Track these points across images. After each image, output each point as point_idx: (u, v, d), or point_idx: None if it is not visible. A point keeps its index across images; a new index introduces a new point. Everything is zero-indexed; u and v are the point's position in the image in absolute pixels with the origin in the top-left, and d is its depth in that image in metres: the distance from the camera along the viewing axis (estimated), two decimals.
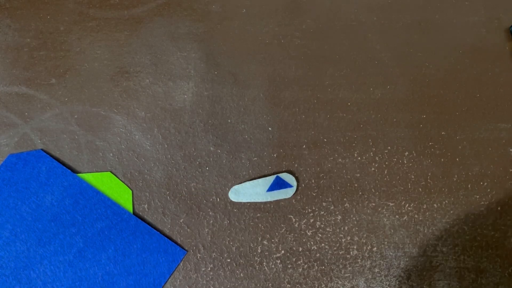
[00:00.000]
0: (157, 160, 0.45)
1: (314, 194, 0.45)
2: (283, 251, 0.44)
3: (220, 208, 0.45)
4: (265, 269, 0.44)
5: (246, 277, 0.44)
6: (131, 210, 0.44)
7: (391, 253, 0.44)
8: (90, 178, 0.44)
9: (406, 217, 0.45)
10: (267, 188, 0.44)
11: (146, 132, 0.46)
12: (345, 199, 0.45)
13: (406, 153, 0.46)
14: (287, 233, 0.44)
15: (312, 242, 0.44)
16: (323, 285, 0.44)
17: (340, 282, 0.44)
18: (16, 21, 0.48)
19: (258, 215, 0.44)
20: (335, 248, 0.44)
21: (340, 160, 0.46)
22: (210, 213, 0.44)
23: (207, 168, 0.45)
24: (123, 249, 0.43)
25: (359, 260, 0.44)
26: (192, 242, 0.44)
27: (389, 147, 0.46)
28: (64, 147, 0.45)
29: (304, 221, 0.45)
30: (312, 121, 0.47)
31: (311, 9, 0.49)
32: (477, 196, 0.45)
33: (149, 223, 0.44)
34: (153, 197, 0.45)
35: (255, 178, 0.45)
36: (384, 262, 0.44)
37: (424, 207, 0.45)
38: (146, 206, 0.44)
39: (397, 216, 0.45)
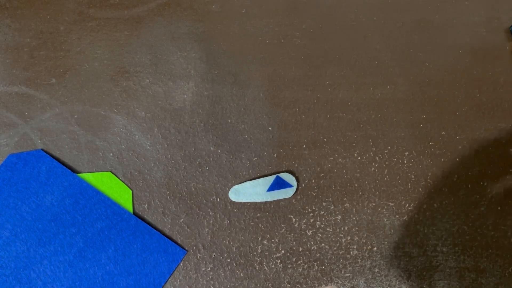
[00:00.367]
0: (157, 160, 0.45)
1: (314, 194, 0.45)
2: (283, 251, 0.44)
3: (220, 208, 0.45)
4: (265, 269, 0.44)
5: (246, 277, 0.44)
6: (131, 210, 0.44)
7: (391, 253, 0.44)
8: (90, 178, 0.44)
9: (406, 217, 0.45)
10: (267, 188, 0.44)
11: (146, 132, 0.46)
12: (345, 199, 0.45)
13: (406, 153, 0.46)
14: (287, 233, 0.44)
15: (312, 242, 0.44)
16: (323, 285, 0.44)
17: (340, 282, 0.44)
18: (16, 21, 0.48)
19: (258, 215, 0.44)
20: (335, 248, 0.44)
21: (340, 160, 0.46)
22: (210, 213, 0.44)
23: (207, 168, 0.45)
24: (123, 249, 0.43)
25: (359, 260, 0.44)
26: (192, 242, 0.44)
27: (389, 147, 0.46)
28: (64, 147, 0.45)
29: (304, 221, 0.45)
30: (312, 121, 0.47)
31: (311, 9, 0.50)
32: (477, 196, 0.45)
33: (149, 223, 0.44)
34: (153, 197, 0.45)
35: (255, 178, 0.45)
36: (384, 262, 0.44)
37: (424, 207, 0.45)
38: (146, 206, 0.44)
39: (397, 216, 0.45)
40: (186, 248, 0.44)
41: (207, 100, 0.47)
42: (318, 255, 0.44)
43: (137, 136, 0.46)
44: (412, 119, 0.47)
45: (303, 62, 0.48)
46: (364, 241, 0.44)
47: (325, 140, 0.46)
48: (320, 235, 0.44)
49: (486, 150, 0.46)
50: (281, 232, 0.44)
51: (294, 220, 0.45)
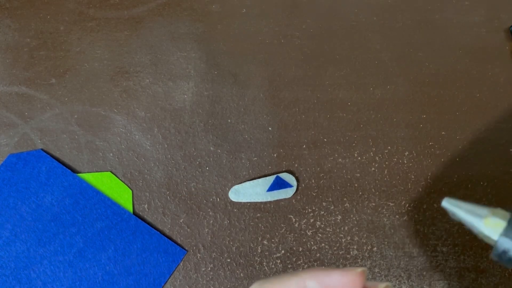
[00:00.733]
0: (157, 160, 0.45)
1: (314, 194, 0.45)
2: (283, 251, 0.44)
3: (220, 208, 0.45)
4: (265, 269, 0.44)
5: (246, 277, 0.44)
6: (131, 210, 0.44)
7: (391, 253, 0.44)
8: (90, 178, 0.44)
9: (406, 217, 0.45)
10: (267, 188, 0.44)
11: (146, 132, 0.46)
12: (345, 199, 0.45)
13: (406, 153, 0.46)
14: (287, 233, 0.44)
15: (312, 242, 0.44)
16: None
17: None
18: (16, 21, 0.48)
19: (258, 215, 0.44)
20: (335, 248, 0.44)
21: (340, 160, 0.46)
22: (210, 213, 0.44)
23: (207, 168, 0.45)
24: (123, 249, 0.43)
25: (359, 260, 0.44)
26: (192, 242, 0.44)
27: (389, 147, 0.46)
28: (64, 147, 0.45)
29: (304, 221, 0.45)
30: (312, 121, 0.47)
31: (311, 9, 0.49)
32: (477, 196, 0.45)
33: (149, 223, 0.44)
34: (153, 197, 0.45)
35: (255, 178, 0.45)
36: (384, 262, 0.44)
37: (424, 207, 0.45)
38: (146, 206, 0.44)
39: (397, 216, 0.45)
40: (186, 248, 0.44)
41: (207, 100, 0.47)
42: (318, 255, 0.44)
43: (137, 136, 0.46)
44: (412, 119, 0.47)
45: (303, 62, 0.48)
46: (364, 241, 0.44)
47: (325, 140, 0.46)
48: (320, 235, 0.44)
49: (486, 150, 0.46)
50: (281, 232, 0.44)
51: (294, 220, 0.45)
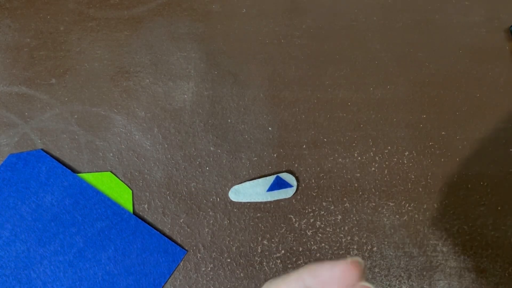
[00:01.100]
0: (157, 160, 0.45)
1: (314, 194, 0.45)
2: (283, 251, 0.44)
3: (220, 208, 0.45)
4: (265, 269, 0.44)
5: (246, 277, 0.44)
6: (131, 210, 0.44)
7: (391, 253, 0.44)
8: (90, 178, 0.44)
9: (406, 217, 0.45)
10: (267, 188, 0.44)
11: (146, 132, 0.46)
12: (345, 199, 0.45)
13: (406, 153, 0.46)
14: (287, 233, 0.44)
15: (312, 242, 0.44)
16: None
17: None
18: (16, 21, 0.48)
19: (258, 215, 0.44)
20: (335, 248, 0.44)
21: (340, 160, 0.46)
22: (210, 213, 0.44)
23: (207, 168, 0.45)
24: (123, 249, 0.43)
25: None
26: (192, 242, 0.44)
27: (389, 147, 0.46)
28: (64, 147, 0.45)
29: (304, 221, 0.45)
30: (312, 121, 0.47)
31: (311, 9, 0.49)
32: (477, 196, 0.45)
33: (149, 223, 0.44)
34: (153, 197, 0.45)
35: (255, 178, 0.45)
36: (384, 262, 0.44)
37: (424, 207, 0.45)
38: (146, 206, 0.44)
39: (397, 216, 0.45)
40: (186, 248, 0.44)
41: (207, 100, 0.47)
42: (318, 255, 0.44)
43: (137, 136, 0.46)
44: (412, 119, 0.47)
45: (303, 62, 0.48)
46: (364, 241, 0.44)
47: (325, 140, 0.46)
48: (320, 235, 0.44)
49: (486, 150, 0.46)
50: (281, 232, 0.44)
51: (294, 220, 0.45)
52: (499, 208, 0.45)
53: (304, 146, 0.46)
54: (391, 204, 0.45)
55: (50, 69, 0.47)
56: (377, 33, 0.49)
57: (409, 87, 0.48)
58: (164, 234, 0.44)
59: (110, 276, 0.43)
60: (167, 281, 0.43)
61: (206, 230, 0.44)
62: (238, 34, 0.49)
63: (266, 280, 0.44)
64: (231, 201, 0.45)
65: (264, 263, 0.44)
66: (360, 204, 0.45)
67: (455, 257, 0.44)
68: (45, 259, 0.43)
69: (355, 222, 0.45)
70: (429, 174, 0.46)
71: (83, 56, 0.48)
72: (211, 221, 0.44)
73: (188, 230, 0.44)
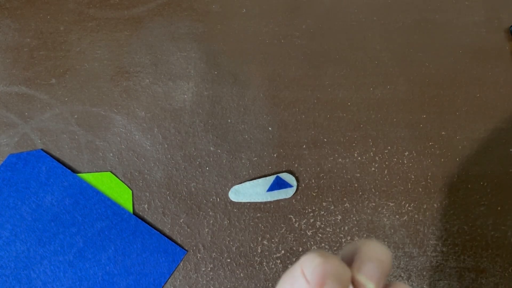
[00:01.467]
0: (157, 160, 0.45)
1: (314, 194, 0.45)
2: (283, 251, 0.44)
3: (220, 208, 0.45)
4: (265, 269, 0.44)
5: (246, 277, 0.44)
6: (131, 210, 0.44)
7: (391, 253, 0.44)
8: (90, 178, 0.44)
9: (406, 217, 0.45)
10: (267, 188, 0.44)
11: (146, 132, 0.46)
12: (345, 199, 0.45)
13: (406, 153, 0.46)
14: (287, 233, 0.44)
15: (312, 242, 0.44)
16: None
17: None
18: (16, 21, 0.48)
19: (258, 215, 0.44)
20: (335, 248, 0.44)
21: (340, 160, 0.46)
22: (210, 213, 0.44)
23: (207, 168, 0.45)
24: (123, 249, 0.43)
25: None
26: (192, 242, 0.44)
27: (389, 147, 0.46)
28: (64, 147, 0.45)
29: (304, 221, 0.45)
30: (312, 121, 0.46)
31: (311, 9, 0.49)
32: (477, 196, 0.45)
33: (149, 223, 0.44)
34: (153, 197, 0.45)
35: (255, 178, 0.45)
36: None
37: (424, 207, 0.45)
38: (146, 206, 0.44)
39: (397, 216, 0.45)
40: (186, 248, 0.44)
41: (207, 100, 0.47)
42: None
43: (137, 136, 0.46)
44: (412, 119, 0.47)
45: (303, 62, 0.48)
46: None
47: (325, 140, 0.46)
48: (320, 235, 0.44)
49: (486, 150, 0.46)
50: (281, 232, 0.44)
51: (294, 220, 0.45)
52: (499, 208, 0.45)
53: (304, 146, 0.46)
54: (391, 204, 0.45)
55: (50, 69, 0.47)
56: (377, 33, 0.49)
57: (409, 87, 0.48)
58: (164, 234, 0.44)
59: (110, 276, 0.43)
60: (167, 281, 0.43)
61: (206, 230, 0.44)
62: (238, 34, 0.49)
63: (266, 280, 0.44)
64: (231, 201, 0.44)
65: (264, 263, 0.44)
66: (360, 204, 0.45)
67: (455, 257, 0.44)
68: (45, 259, 0.43)
69: (355, 222, 0.45)
70: (429, 174, 0.46)
71: (83, 56, 0.48)
72: (211, 221, 0.44)
73: (188, 230, 0.44)
